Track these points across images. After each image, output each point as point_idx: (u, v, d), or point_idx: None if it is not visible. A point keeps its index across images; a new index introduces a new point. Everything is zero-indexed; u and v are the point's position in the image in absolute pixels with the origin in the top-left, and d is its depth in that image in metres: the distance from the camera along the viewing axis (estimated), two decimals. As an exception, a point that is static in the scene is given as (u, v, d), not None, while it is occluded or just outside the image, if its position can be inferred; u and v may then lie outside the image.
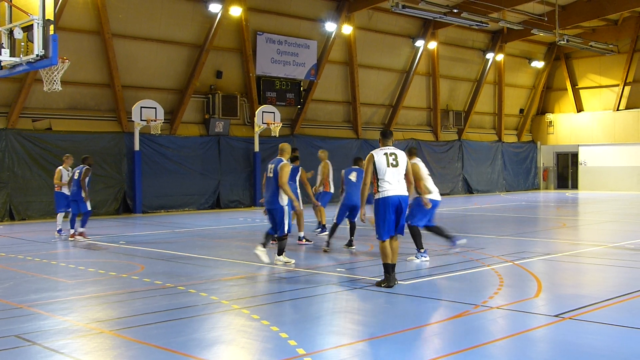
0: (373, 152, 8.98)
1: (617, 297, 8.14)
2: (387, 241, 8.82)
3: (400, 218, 8.91)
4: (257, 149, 25.23)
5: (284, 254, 10.85)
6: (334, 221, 12.72)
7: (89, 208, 14.39)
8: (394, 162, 8.90)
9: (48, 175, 20.61)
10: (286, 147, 10.90)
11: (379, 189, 8.85)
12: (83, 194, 14.19)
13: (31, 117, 20.89)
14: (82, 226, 14.38)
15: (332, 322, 7.09)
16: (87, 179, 14.29)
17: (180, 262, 11.37)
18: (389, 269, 8.78)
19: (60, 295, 8.62)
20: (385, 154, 8.89)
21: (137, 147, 22.41)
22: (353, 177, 12.73)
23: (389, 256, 8.79)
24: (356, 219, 12.48)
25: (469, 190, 34.76)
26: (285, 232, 10.66)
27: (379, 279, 8.99)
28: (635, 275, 9.70)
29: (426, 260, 11.07)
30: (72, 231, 14.39)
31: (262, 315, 7.27)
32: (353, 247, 12.62)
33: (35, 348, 6.14)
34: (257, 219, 19.91)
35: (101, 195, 21.85)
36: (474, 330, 6.68)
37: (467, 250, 12.22)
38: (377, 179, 8.85)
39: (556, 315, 7.19)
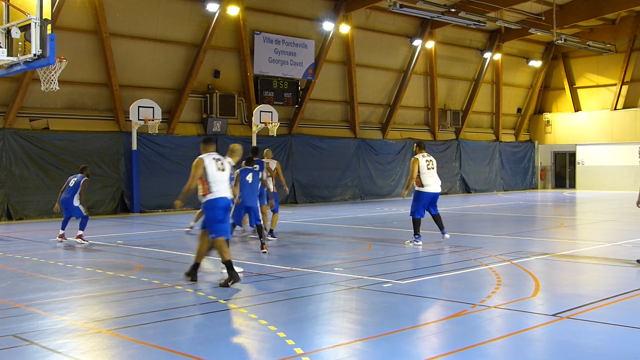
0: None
1: (614, 296, 8.16)
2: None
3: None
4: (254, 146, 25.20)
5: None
6: (231, 221, 12.15)
7: (85, 213, 14.00)
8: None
9: (45, 174, 20.61)
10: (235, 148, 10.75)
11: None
12: (81, 207, 13.84)
13: (29, 116, 20.87)
14: (81, 229, 14.11)
15: (329, 322, 7.09)
16: (84, 189, 14.05)
17: (178, 261, 11.36)
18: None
19: (58, 295, 8.61)
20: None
21: (134, 146, 22.39)
22: (249, 178, 12.24)
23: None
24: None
25: (467, 189, 34.80)
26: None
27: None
28: (633, 275, 9.72)
29: (419, 245, 12.81)
30: (61, 232, 14.08)
31: (260, 315, 7.27)
32: (265, 251, 12.15)
33: (33, 347, 6.14)
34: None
35: (99, 195, 21.84)
36: (471, 330, 6.68)
37: (465, 250, 12.24)
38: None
39: (554, 315, 7.20)
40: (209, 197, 9.14)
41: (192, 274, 9.32)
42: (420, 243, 12.94)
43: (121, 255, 12.18)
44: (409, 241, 13.17)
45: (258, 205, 12.38)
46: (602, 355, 5.80)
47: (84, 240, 13.94)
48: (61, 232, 14.17)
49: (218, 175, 9.20)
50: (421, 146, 13.32)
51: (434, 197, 13.12)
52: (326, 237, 14.99)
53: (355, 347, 6.10)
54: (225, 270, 9.13)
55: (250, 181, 12.22)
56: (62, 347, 6.17)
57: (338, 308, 7.73)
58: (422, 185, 12.97)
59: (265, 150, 15.22)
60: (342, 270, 10.23)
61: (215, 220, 9.14)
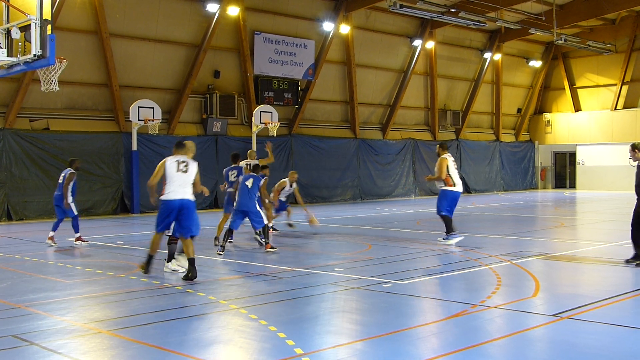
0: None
1: (614, 296, 8.15)
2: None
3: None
4: (254, 148, 25.20)
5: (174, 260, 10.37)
6: (229, 227, 12.38)
7: (75, 213, 13.68)
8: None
9: (45, 175, 20.61)
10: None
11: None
12: (72, 205, 13.51)
13: (29, 117, 20.88)
14: (76, 231, 13.81)
15: (330, 322, 7.09)
16: (71, 184, 13.52)
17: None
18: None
19: (58, 295, 8.61)
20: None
21: (134, 147, 22.38)
22: (249, 183, 12.23)
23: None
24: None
25: (467, 189, 34.76)
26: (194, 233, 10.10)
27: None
28: (633, 275, 9.71)
29: (455, 241, 12.87)
30: (51, 233, 13.66)
31: (260, 315, 7.27)
32: (270, 250, 12.28)
33: (33, 348, 6.13)
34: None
35: (99, 195, 21.84)
36: (471, 330, 6.68)
37: (465, 250, 12.23)
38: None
39: (554, 315, 7.19)
40: (162, 197, 9.72)
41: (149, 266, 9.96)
42: (456, 240, 12.99)
43: (121, 256, 12.19)
44: (442, 238, 13.17)
45: (258, 209, 12.30)
46: (603, 355, 5.79)
47: (83, 241, 13.82)
48: (51, 233, 13.69)
49: (176, 177, 9.62)
50: (444, 147, 13.47)
51: (459, 196, 13.32)
52: (326, 237, 14.99)
53: (355, 348, 6.09)
54: (172, 265, 10.10)
55: (249, 186, 12.21)
56: (62, 347, 6.17)
57: (338, 308, 7.72)
58: (453, 185, 13.12)
59: (248, 152, 15.35)
60: (343, 271, 10.23)
61: (160, 217, 9.78)
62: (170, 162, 9.68)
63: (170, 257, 10.28)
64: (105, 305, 8.01)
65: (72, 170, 13.67)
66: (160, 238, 9.89)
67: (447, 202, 13.13)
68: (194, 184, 9.82)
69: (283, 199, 15.87)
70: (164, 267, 10.29)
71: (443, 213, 13.11)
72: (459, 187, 13.24)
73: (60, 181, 13.68)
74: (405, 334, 6.56)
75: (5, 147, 19.98)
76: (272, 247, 12.29)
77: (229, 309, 7.66)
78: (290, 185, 15.80)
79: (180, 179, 9.63)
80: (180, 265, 10.18)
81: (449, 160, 13.20)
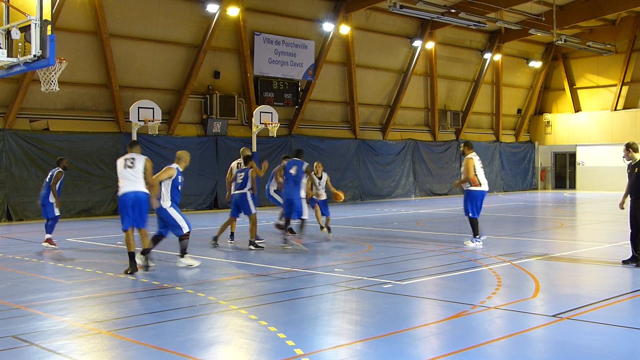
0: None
1: (615, 297, 8.15)
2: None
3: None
4: (255, 149, 25.17)
5: (186, 255, 10.72)
6: (285, 217, 13.08)
7: (57, 214, 13.29)
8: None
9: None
10: (183, 154, 11.11)
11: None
12: (52, 199, 13.20)
13: (29, 117, 20.87)
14: (49, 232, 13.29)
15: (330, 323, 7.09)
16: (58, 183, 13.26)
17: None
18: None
19: (58, 296, 8.60)
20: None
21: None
22: (294, 170, 12.87)
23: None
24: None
25: (467, 190, 34.72)
26: (184, 231, 10.51)
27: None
28: (633, 275, 9.71)
29: (480, 245, 12.72)
30: (47, 236, 13.37)
31: (260, 316, 7.27)
32: (296, 244, 12.69)
33: (33, 349, 6.13)
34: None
35: (98, 196, 21.85)
36: (471, 331, 6.68)
37: (465, 251, 12.23)
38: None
39: (554, 315, 7.19)
40: (118, 193, 10.44)
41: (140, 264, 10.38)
42: (481, 243, 12.90)
43: (121, 256, 12.16)
44: (469, 241, 12.99)
45: (302, 197, 12.72)
46: (603, 355, 5.79)
47: (53, 244, 13.24)
48: (47, 236, 13.38)
49: (124, 173, 10.35)
50: (469, 145, 13.28)
51: (485, 195, 13.18)
52: (326, 237, 14.97)
53: (355, 348, 6.09)
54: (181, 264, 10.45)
55: (293, 173, 12.74)
56: (62, 348, 6.17)
57: (338, 309, 7.72)
58: (479, 184, 12.94)
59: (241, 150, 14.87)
60: (343, 271, 10.23)
61: (121, 215, 10.32)
62: (119, 161, 10.51)
63: (183, 252, 10.65)
64: (105, 305, 8.00)
65: (60, 169, 13.44)
66: (130, 235, 10.29)
67: (472, 203, 12.91)
68: (150, 180, 10.36)
69: (322, 192, 14.93)
70: (177, 262, 10.70)
71: (470, 215, 12.91)
72: (484, 187, 13.01)
73: (47, 180, 13.44)
74: (405, 335, 6.56)
75: (5, 147, 19.98)
76: (300, 243, 12.61)
77: (229, 310, 7.66)
78: (320, 177, 14.92)
79: (127, 174, 10.31)
80: (192, 260, 10.68)
81: (475, 159, 12.97)
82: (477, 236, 12.93)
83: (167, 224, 10.59)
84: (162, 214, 10.54)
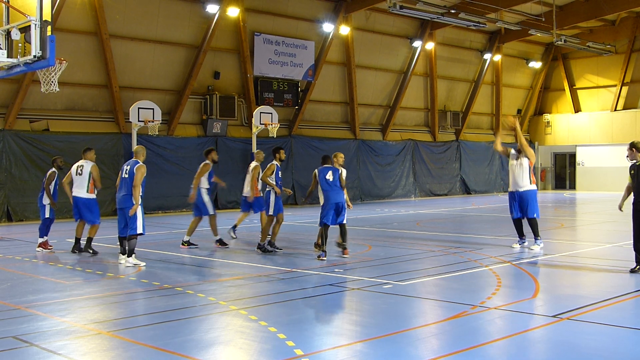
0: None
1: (614, 297, 8.15)
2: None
3: None
4: (254, 149, 25.20)
5: (134, 255, 11.00)
6: (324, 222, 11.77)
7: (47, 216, 12.83)
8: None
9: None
10: (140, 149, 11.52)
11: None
12: (45, 200, 12.84)
13: (28, 118, 20.87)
14: (41, 235, 12.91)
15: (330, 323, 7.09)
16: (52, 183, 12.87)
17: (178, 263, 11.37)
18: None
19: (58, 297, 8.60)
20: None
21: (134, 148, 22.34)
22: (330, 176, 11.75)
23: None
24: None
25: (467, 190, 34.77)
26: (138, 231, 10.86)
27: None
28: (633, 276, 9.71)
29: (538, 249, 12.33)
30: (40, 240, 12.97)
31: (260, 316, 7.27)
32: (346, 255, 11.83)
33: (33, 349, 6.13)
34: (255, 219, 19.87)
35: (98, 197, 21.51)
36: (471, 331, 6.68)
37: (465, 251, 12.23)
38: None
39: (554, 316, 7.19)
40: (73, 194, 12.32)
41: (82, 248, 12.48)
42: (541, 245, 12.52)
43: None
44: (535, 245, 12.50)
45: (346, 201, 11.76)
46: (603, 356, 5.79)
47: (45, 248, 12.90)
48: (45, 238, 13.02)
49: (74, 179, 12.29)
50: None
51: None
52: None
53: (355, 349, 6.09)
54: (128, 264, 10.89)
55: (331, 179, 11.66)
56: (62, 348, 6.17)
57: (338, 309, 7.73)
58: (536, 183, 12.67)
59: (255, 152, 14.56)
60: (342, 272, 10.23)
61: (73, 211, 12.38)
62: (73, 168, 12.30)
63: (131, 252, 10.97)
64: (105, 306, 8.01)
65: (53, 170, 13.06)
66: (80, 225, 12.59)
67: (536, 203, 12.53)
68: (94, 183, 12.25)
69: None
70: (124, 261, 11.02)
71: (536, 216, 12.50)
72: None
73: (43, 180, 13.12)
74: (405, 335, 6.56)
75: (5, 148, 19.97)
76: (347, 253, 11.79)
77: (229, 310, 7.66)
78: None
79: (76, 181, 12.27)
80: (138, 260, 11.05)
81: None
82: (540, 238, 12.56)
83: (129, 219, 10.93)
84: (128, 210, 10.95)
